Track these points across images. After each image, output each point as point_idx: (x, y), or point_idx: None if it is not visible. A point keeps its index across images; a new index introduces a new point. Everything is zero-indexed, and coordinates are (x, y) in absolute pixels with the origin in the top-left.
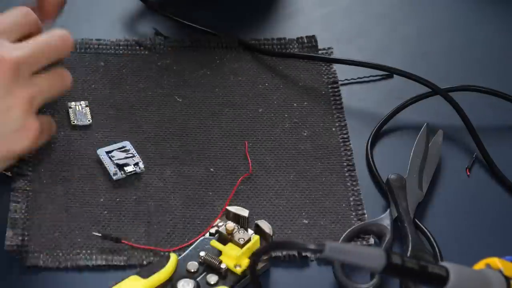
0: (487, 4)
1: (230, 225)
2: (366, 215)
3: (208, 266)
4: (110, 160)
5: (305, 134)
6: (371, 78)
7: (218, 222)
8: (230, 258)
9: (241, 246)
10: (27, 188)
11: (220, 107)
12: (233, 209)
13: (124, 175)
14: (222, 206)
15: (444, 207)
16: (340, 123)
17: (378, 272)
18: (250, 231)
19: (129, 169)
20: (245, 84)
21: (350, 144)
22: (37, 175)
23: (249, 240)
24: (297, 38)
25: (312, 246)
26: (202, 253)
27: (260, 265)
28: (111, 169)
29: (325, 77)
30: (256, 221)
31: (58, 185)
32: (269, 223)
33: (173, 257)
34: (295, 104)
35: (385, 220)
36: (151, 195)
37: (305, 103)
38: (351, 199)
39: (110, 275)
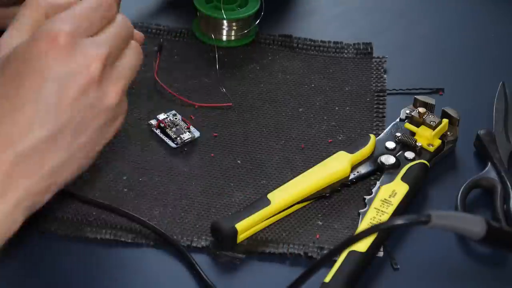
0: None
1: (422, 109)
2: None
3: (404, 145)
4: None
5: (340, 138)
6: (421, 91)
7: (405, 109)
8: (423, 138)
9: (433, 128)
10: None
11: (261, 102)
12: (421, 98)
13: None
14: (240, 198)
15: None
16: (377, 131)
17: (479, 239)
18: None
19: (185, 136)
20: (291, 83)
21: None
22: None
23: (439, 123)
24: (354, 44)
25: (418, 219)
26: (398, 134)
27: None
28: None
29: (374, 84)
30: (442, 108)
31: None
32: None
33: (372, 137)
34: (336, 108)
35: (491, 173)
36: (174, 179)
37: (347, 108)
38: None
39: (116, 250)
